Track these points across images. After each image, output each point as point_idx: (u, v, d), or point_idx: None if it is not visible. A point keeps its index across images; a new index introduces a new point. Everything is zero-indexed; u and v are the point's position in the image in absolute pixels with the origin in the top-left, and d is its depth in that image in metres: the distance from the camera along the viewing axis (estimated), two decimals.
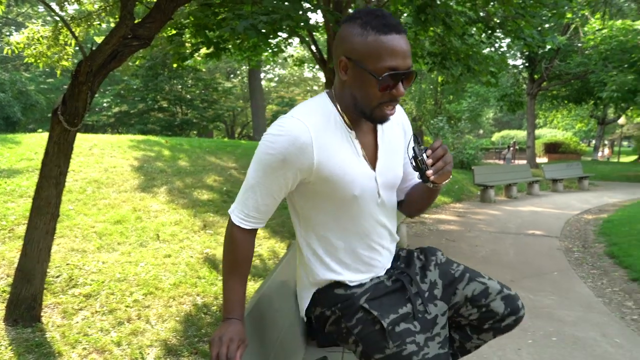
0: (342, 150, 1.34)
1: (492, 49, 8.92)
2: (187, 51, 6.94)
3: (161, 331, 3.28)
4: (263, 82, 30.21)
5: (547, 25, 12.21)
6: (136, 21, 3.17)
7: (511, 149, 27.79)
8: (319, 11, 6.21)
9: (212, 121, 26.89)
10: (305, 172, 1.32)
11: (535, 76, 19.14)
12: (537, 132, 36.24)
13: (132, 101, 24.30)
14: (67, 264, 4.03)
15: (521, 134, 36.33)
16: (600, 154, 32.57)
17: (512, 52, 18.25)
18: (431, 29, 7.21)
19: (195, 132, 26.46)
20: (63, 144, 3.16)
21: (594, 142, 33.40)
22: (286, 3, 5.24)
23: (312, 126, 1.29)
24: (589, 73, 16.82)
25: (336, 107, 1.36)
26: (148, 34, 3.23)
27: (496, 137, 43.62)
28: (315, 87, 36.54)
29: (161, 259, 4.48)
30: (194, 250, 4.86)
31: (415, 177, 1.59)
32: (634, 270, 5.07)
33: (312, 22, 5.40)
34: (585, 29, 15.59)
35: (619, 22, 13.88)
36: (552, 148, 30.18)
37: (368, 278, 1.45)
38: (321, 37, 13.00)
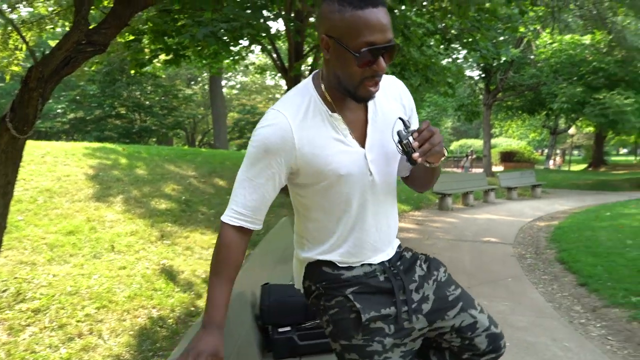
0: (323, 132, 1.33)
1: (450, 60, 9.16)
2: (146, 57, 6.82)
3: (114, 346, 3.19)
4: (224, 90, 29.96)
5: (501, 38, 12.63)
6: (91, 26, 3.10)
7: (469, 157, 28.55)
8: (280, 20, 6.23)
9: (171, 128, 26.47)
10: (289, 158, 1.32)
11: (491, 87, 19.75)
12: (493, 141, 37.33)
13: (88, 107, 23.63)
14: (14, 278, 3.86)
15: (478, 143, 37.32)
16: (552, 162, 33.81)
17: (469, 63, 18.76)
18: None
19: (154, 139, 25.95)
20: (11, 152, 3.04)
21: (546, 151, 34.66)
22: (247, 11, 5.23)
23: (290, 114, 1.31)
24: (541, 85, 17.49)
25: (319, 89, 1.35)
26: (103, 40, 3.16)
27: (454, 145, 44.69)
28: (278, 95, 36.52)
29: (116, 271, 4.35)
30: (150, 261, 4.75)
31: None
32: (581, 275, 5.27)
33: (273, 30, 5.42)
34: (537, 42, 16.24)
35: (568, 37, 14.52)
36: (508, 157, 31.19)
37: (359, 262, 1.43)
38: (283, 45, 13.03)
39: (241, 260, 1.38)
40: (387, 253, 1.49)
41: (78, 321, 3.42)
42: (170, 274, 4.55)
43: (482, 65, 18.77)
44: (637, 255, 5.84)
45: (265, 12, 5.60)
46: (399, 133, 1.26)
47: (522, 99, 20.80)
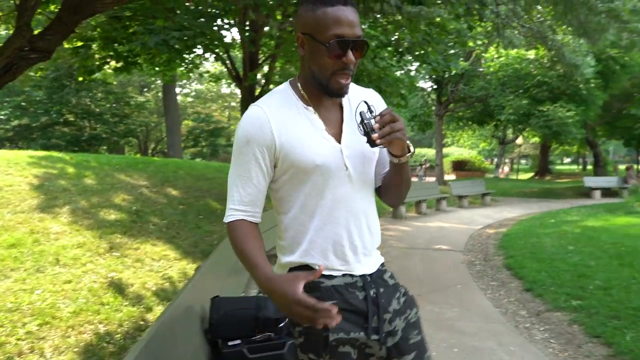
0: (299, 124, 1.38)
1: (403, 72, 9.38)
2: (95, 64, 6.64)
3: None
4: (179, 97, 29.47)
5: (452, 51, 13.05)
6: (36, 32, 3.00)
7: (422, 166, 29.16)
8: (234, 29, 6.21)
9: (123, 136, 25.76)
10: (270, 146, 1.36)
11: (443, 98, 20.33)
12: (446, 150, 38.34)
13: (34, 114, 22.64)
14: None
15: (432, 152, 38.22)
16: (501, 171, 35.02)
17: (421, 75, 19.25)
18: None
19: (105, 147, 25.18)
20: None
21: (496, 160, 35.90)
22: (201, 19, 5.19)
23: (267, 107, 1.37)
24: (489, 97, 18.16)
25: (295, 87, 1.43)
26: (48, 46, 3.06)
27: None
28: (234, 104, 36.24)
29: (60, 285, 4.19)
30: (98, 274, 4.60)
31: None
32: (527, 281, 5.48)
33: (228, 39, 5.40)
34: (486, 56, 16.87)
35: (513, 52, 15.17)
36: (459, 166, 32.11)
37: (340, 272, 1.42)
38: (239, 53, 12.97)
39: (261, 240, 1.39)
40: (369, 264, 1.47)
41: (18, 339, 3.27)
42: (118, 287, 4.42)
43: (433, 77, 19.32)
44: (578, 260, 6.12)
45: (219, 21, 5.58)
46: (361, 114, 1.31)
47: (472, 110, 21.50)
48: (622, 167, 26.44)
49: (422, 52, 6.99)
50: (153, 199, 7.99)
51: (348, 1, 1.31)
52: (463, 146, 40.79)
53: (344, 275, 1.42)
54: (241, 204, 1.37)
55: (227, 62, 8.11)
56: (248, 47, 6.83)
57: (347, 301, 1.40)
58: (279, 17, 7.68)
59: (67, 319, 3.63)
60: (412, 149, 1.37)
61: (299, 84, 1.42)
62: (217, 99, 37.27)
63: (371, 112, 1.31)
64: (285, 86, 1.45)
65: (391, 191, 1.53)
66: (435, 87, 20.83)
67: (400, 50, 7.62)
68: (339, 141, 1.41)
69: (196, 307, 2.24)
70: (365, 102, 1.33)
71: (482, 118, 20.84)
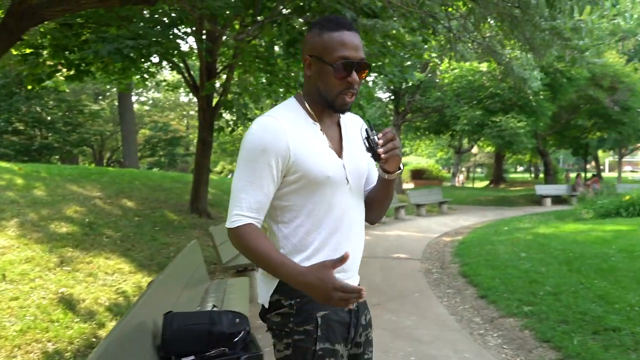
0: (311, 138, 1.47)
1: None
2: (45, 72, 6.41)
3: None
4: (135, 106, 28.83)
5: (408, 63, 13.35)
6: None
7: None
8: (191, 38, 6.15)
9: (76, 146, 24.95)
10: (285, 156, 1.41)
11: (400, 109, 20.71)
12: (405, 159, 38.99)
13: None
14: None
15: None
16: (457, 180, 35.87)
17: (379, 85, 19.57)
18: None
19: (57, 157, 24.31)
20: None
21: (452, 169, 36.78)
22: (157, 27, 5.12)
23: (282, 118, 1.44)
24: (445, 107, 18.63)
25: (302, 103, 1.51)
26: None
27: None
28: (192, 112, 35.75)
29: (6, 303, 4.00)
30: (47, 290, 4.42)
31: (373, 180, 1.64)
32: (481, 288, 5.62)
33: (186, 47, 5.34)
34: (441, 68, 17.33)
35: (467, 64, 15.65)
36: (418, 174, 32.72)
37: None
38: (197, 62, 12.82)
39: (269, 240, 1.44)
40: (356, 277, 1.58)
41: None
42: (69, 304, 4.26)
43: (391, 87, 19.66)
44: (530, 267, 6.32)
45: (175, 30, 5.52)
46: (367, 131, 1.41)
47: (428, 120, 21.99)
48: (573, 175, 27.58)
49: (379, 63, 7.11)
50: (107, 210, 7.76)
51: (352, 27, 1.44)
52: (421, 155, 41.60)
53: None
54: (249, 210, 1.41)
55: (184, 71, 8.02)
56: (205, 57, 6.77)
57: (337, 312, 1.47)
58: (237, 27, 7.67)
59: (13, 338, 3.47)
60: (402, 166, 1.47)
61: (305, 102, 1.51)
62: (175, 108, 36.68)
63: (372, 129, 1.42)
64: (294, 101, 1.53)
65: (374, 207, 1.62)
66: (392, 97, 21.21)
67: None
68: (340, 156, 1.51)
69: (148, 323, 2.19)
70: (369, 122, 1.48)
71: (438, 128, 21.35)
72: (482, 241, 8.89)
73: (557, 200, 19.12)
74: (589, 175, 27.73)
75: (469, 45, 5.44)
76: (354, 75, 1.43)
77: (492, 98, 16.58)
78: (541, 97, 15.91)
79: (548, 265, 6.32)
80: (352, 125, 1.61)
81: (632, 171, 55.77)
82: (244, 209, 1.40)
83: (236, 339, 2.19)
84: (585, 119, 22.11)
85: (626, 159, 49.16)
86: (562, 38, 4.33)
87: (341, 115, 1.57)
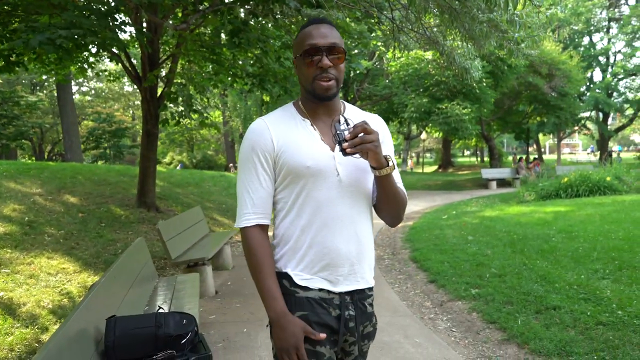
0: (296, 132, 1.51)
1: None
2: None
3: None
4: (76, 96, 27.63)
5: (356, 51, 13.41)
6: None
7: None
8: (131, 27, 5.91)
9: (13, 139, 23.67)
10: (270, 151, 1.49)
11: (349, 96, 20.82)
12: None
13: None
14: None
15: None
16: (407, 165, 36.60)
17: None
18: (250, 50, 7.38)
19: None
20: None
21: (402, 154, 37.48)
22: (92, 17, 4.88)
23: (268, 119, 1.55)
24: (393, 95, 18.89)
25: (297, 104, 1.58)
26: None
27: None
28: (138, 102, 34.66)
29: None
30: None
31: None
32: (431, 272, 5.76)
33: (127, 36, 5.11)
34: (388, 56, 17.52)
35: (413, 52, 15.90)
36: None
37: (317, 286, 1.48)
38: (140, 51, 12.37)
39: (270, 251, 1.51)
40: (354, 282, 1.52)
41: None
42: (9, 308, 4.05)
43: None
44: (477, 250, 6.52)
45: (113, 20, 5.28)
46: (335, 126, 1.41)
47: (377, 108, 22.24)
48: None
49: None
50: (48, 207, 7.42)
51: (323, 20, 1.51)
52: None
53: (320, 289, 1.49)
54: (253, 207, 1.49)
55: (125, 61, 7.72)
56: (145, 48, 6.54)
57: (318, 315, 1.47)
58: (179, 15, 7.43)
59: None
60: (391, 162, 1.46)
61: (300, 102, 1.58)
62: (119, 98, 35.46)
63: (347, 125, 1.42)
64: (290, 104, 1.60)
65: (382, 208, 1.58)
66: (341, 85, 21.27)
67: None
68: (333, 150, 1.51)
69: (90, 329, 2.10)
70: (343, 116, 1.49)
71: (387, 115, 21.61)
72: (431, 226, 9.11)
73: (502, 183, 19.86)
74: (531, 158, 28.95)
75: (412, 35, 5.51)
76: (325, 59, 1.45)
77: (438, 86, 16.95)
78: (484, 84, 16.41)
79: (494, 247, 6.54)
80: (361, 119, 1.58)
81: (570, 153, 58.68)
82: (248, 206, 1.49)
83: (184, 341, 2.15)
84: (526, 104, 23.01)
85: (565, 141, 51.66)
86: (500, 30, 4.46)
87: (348, 111, 1.60)
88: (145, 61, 7.34)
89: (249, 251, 1.48)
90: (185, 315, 2.28)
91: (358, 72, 15.67)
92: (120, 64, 7.62)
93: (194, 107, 7.70)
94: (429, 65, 16.76)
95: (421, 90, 17.30)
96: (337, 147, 1.41)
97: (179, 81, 8.59)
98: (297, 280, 1.49)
